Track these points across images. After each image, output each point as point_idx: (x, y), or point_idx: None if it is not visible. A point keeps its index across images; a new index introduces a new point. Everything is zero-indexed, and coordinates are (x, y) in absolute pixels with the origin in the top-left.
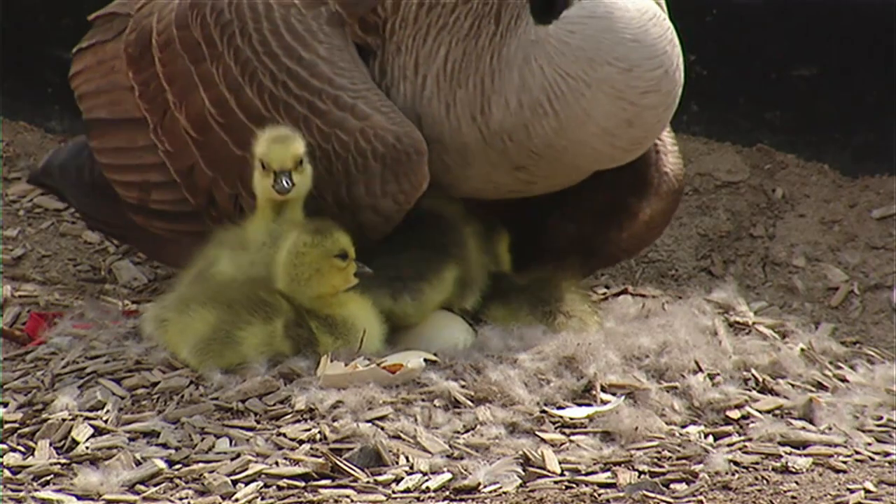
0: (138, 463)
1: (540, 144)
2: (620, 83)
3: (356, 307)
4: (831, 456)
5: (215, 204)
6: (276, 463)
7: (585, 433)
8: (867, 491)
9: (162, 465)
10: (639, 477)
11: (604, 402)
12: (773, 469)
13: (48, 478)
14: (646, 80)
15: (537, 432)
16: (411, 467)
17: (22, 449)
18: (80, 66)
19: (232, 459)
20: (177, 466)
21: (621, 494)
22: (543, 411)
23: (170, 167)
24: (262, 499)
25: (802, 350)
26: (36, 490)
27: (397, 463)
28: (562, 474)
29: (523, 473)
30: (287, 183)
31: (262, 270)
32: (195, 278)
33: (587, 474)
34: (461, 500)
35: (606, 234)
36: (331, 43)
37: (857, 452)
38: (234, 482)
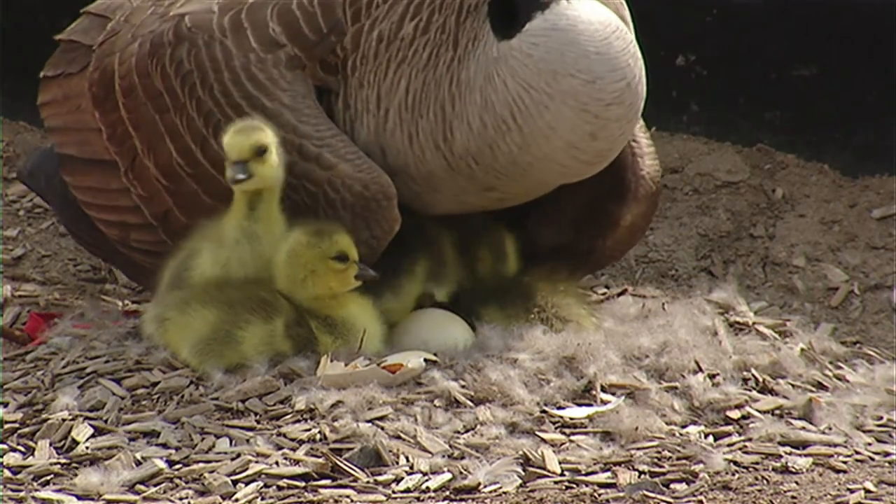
0: (138, 463)
1: (505, 163)
2: (584, 95)
3: (356, 308)
4: (831, 456)
5: None
6: (276, 463)
7: (585, 433)
8: (867, 491)
9: (162, 465)
10: (639, 477)
11: (604, 402)
12: (773, 469)
13: (48, 478)
14: (609, 93)
15: (537, 432)
16: (411, 467)
17: (22, 449)
18: (47, 97)
19: (232, 459)
20: (177, 466)
21: (621, 494)
22: (543, 411)
23: (145, 211)
24: (262, 499)
25: (802, 350)
26: (36, 490)
27: (397, 463)
28: (562, 474)
29: (523, 473)
30: (240, 174)
31: (237, 268)
32: (177, 269)
33: (587, 474)
34: (461, 500)
35: (591, 243)
36: (294, 90)
37: (857, 452)
38: (234, 482)
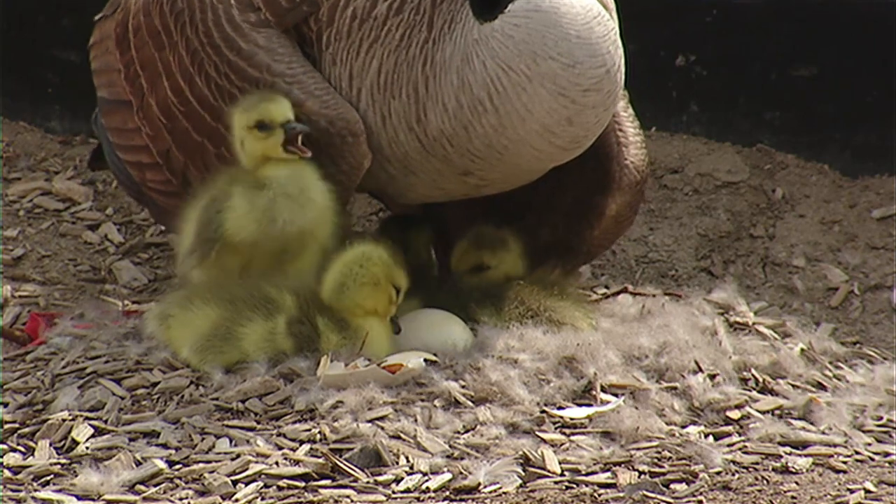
0: (138, 463)
1: (480, 146)
2: (563, 79)
3: (375, 321)
4: (831, 456)
5: (190, 185)
6: (276, 463)
7: (585, 433)
8: (867, 491)
9: (162, 465)
10: (639, 477)
11: (604, 402)
12: (773, 469)
13: (48, 478)
14: (588, 78)
15: (537, 432)
16: (411, 467)
17: (22, 449)
18: (92, 40)
19: (232, 459)
20: (177, 466)
21: (621, 494)
22: (543, 411)
23: (152, 149)
24: (262, 499)
25: (802, 350)
26: (36, 490)
27: (397, 463)
28: (562, 474)
29: (523, 473)
30: (301, 126)
31: (284, 209)
32: (205, 217)
33: (587, 474)
34: (461, 500)
35: (581, 235)
36: (269, 31)
37: (857, 452)
38: (234, 482)
